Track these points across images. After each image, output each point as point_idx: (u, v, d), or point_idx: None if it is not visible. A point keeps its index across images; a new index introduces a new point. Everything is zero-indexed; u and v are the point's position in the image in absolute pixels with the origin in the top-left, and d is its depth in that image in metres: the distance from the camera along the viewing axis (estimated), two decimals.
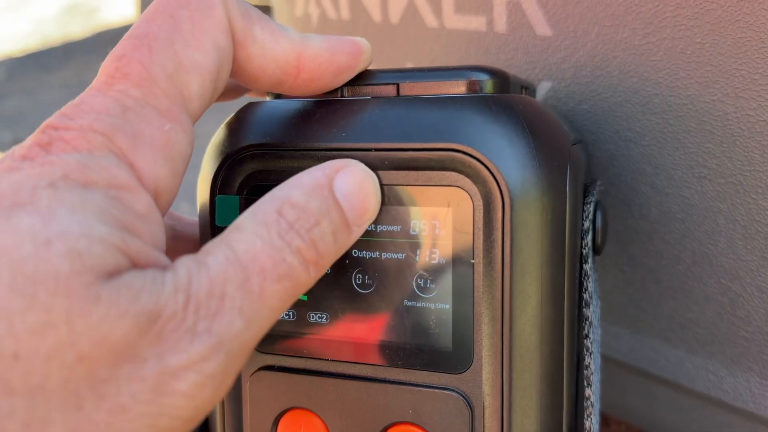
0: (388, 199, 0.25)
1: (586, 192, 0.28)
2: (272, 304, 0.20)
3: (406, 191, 0.25)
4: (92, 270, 0.17)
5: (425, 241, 0.25)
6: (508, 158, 0.24)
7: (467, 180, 0.24)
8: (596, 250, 0.29)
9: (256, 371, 0.27)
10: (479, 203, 0.24)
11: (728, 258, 0.31)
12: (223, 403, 0.29)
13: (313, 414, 0.27)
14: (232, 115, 0.28)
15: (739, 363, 0.33)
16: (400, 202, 0.25)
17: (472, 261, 0.24)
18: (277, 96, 0.29)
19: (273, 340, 0.27)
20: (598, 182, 0.30)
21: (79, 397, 0.17)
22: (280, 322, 0.27)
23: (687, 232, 0.32)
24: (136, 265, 0.19)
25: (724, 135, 0.29)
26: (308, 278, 0.22)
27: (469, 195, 0.24)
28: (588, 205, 0.28)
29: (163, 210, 0.22)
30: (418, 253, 0.25)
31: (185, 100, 0.22)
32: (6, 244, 0.17)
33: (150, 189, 0.20)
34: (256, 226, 0.21)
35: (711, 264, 0.32)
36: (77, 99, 0.21)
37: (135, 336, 0.18)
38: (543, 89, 0.34)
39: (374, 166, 0.25)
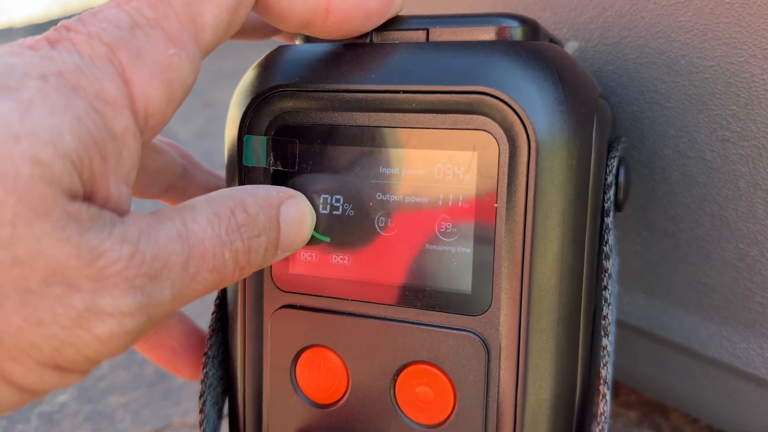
0: (414, 142, 0.25)
1: (610, 147, 0.29)
2: (197, 288, 0.21)
3: (431, 134, 0.25)
4: (50, 184, 0.18)
5: (449, 185, 0.25)
6: (537, 103, 0.24)
7: (494, 123, 0.24)
8: (618, 206, 0.29)
9: (277, 309, 0.28)
10: (505, 147, 0.24)
11: (747, 223, 0.32)
12: (244, 340, 0.29)
13: (332, 352, 0.28)
14: (263, 57, 0.28)
15: (753, 329, 0.33)
16: (425, 146, 0.25)
17: (496, 205, 0.25)
18: (307, 39, 0.29)
19: (295, 279, 0.28)
20: (623, 139, 0.30)
21: (3, 295, 0.18)
22: (303, 263, 0.27)
23: (707, 196, 0.33)
24: (92, 197, 0.20)
25: (749, 97, 0.29)
26: (231, 278, 0.23)
27: (496, 139, 0.24)
28: (612, 160, 0.28)
29: (150, 134, 0.22)
30: (441, 197, 0.25)
31: (197, 29, 0.22)
32: None
33: (139, 109, 0.21)
34: (210, 214, 0.22)
35: (730, 228, 0.32)
36: (97, 7, 0.21)
37: (74, 263, 0.18)
38: (570, 49, 0.34)
39: (401, 109, 0.25)
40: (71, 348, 0.19)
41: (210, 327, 0.31)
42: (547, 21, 0.35)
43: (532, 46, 0.25)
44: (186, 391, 0.54)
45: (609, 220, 0.28)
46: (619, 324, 0.39)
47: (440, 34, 0.26)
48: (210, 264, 0.21)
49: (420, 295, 0.26)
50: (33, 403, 0.54)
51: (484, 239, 0.25)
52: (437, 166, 0.25)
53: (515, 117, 0.24)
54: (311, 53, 0.27)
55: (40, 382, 0.19)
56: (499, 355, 0.25)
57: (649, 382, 0.41)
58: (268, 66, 0.28)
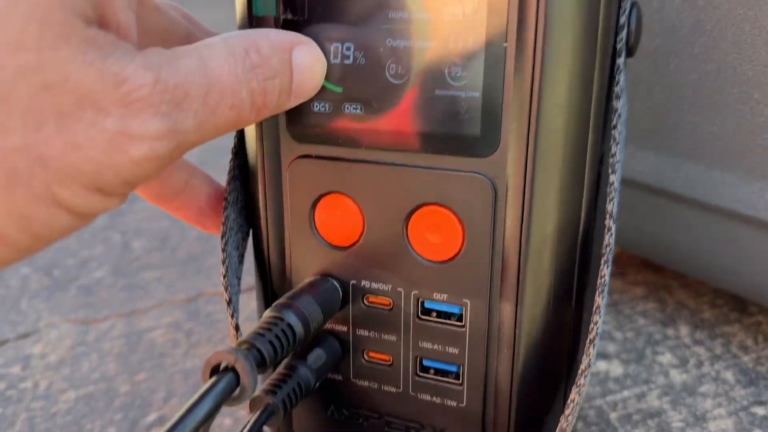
0: None
1: None
2: (218, 123, 0.23)
3: None
4: (65, 9, 0.19)
5: (458, 27, 0.25)
6: None
7: None
8: (629, 50, 0.30)
9: (294, 160, 0.29)
10: None
11: (751, 65, 0.34)
12: (265, 190, 0.31)
13: (348, 197, 0.29)
14: None
15: (754, 172, 0.36)
16: None
17: (505, 45, 0.25)
18: None
19: (310, 130, 0.29)
20: None
21: (42, 119, 0.19)
22: (316, 114, 0.28)
23: (714, 43, 0.35)
24: (104, 24, 0.21)
25: None
26: (248, 119, 0.24)
27: None
28: (625, 2, 0.29)
29: None
30: (451, 39, 0.26)
31: None
32: None
33: None
34: (227, 53, 0.23)
35: (735, 73, 0.34)
36: None
37: (100, 87, 0.19)
38: None
39: None
40: (109, 170, 0.20)
41: (228, 173, 0.33)
42: None
43: None
44: (216, 269, 0.57)
45: (620, 60, 0.29)
46: (628, 183, 0.41)
47: None
48: (228, 101, 0.23)
49: (430, 140, 0.27)
50: (71, 276, 0.57)
51: (493, 81, 0.25)
52: (447, 8, 0.25)
53: None
54: None
55: (87, 205, 0.21)
56: (506, 194, 0.26)
57: (654, 244, 0.43)
58: None
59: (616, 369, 0.42)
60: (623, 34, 0.28)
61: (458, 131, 0.26)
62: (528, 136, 0.25)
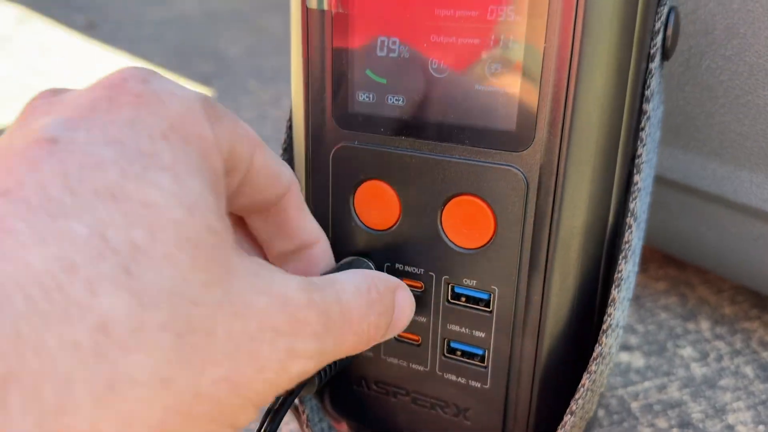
0: None
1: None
2: (342, 349, 0.24)
3: None
4: (225, 245, 0.20)
5: (500, 26, 0.26)
6: None
7: None
8: (665, 54, 0.30)
9: (338, 146, 0.31)
10: None
11: None
12: (309, 172, 0.32)
13: (386, 184, 0.30)
14: None
15: None
16: None
17: (544, 45, 0.26)
18: None
19: (354, 118, 0.30)
20: None
21: (236, 347, 0.19)
22: (361, 104, 0.30)
23: (747, 45, 0.35)
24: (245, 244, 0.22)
25: None
26: (360, 348, 0.25)
27: None
28: (662, 8, 0.29)
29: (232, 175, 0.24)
30: (492, 37, 0.27)
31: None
32: (157, 201, 0.18)
33: (223, 149, 0.22)
34: (355, 288, 0.25)
35: (766, 75, 0.35)
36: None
37: (274, 311, 0.21)
38: None
39: None
40: (275, 389, 0.21)
41: (283, 143, 0.35)
42: None
43: None
44: None
45: (653, 65, 0.29)
46: (655, 179, 0.42)
47: None
48: (355, 329, 0.24)
49: (467, 132, 0.28)
50: None
51: (530, 79, 0.26)
52: (490, 7, 0.26)
53: None
54: None
55: (247, 423, 0.21)
56: (538, 188, 0.27)
57: (679, 239, 0.44)
58: None
59: (637, 360, 0.44)
60: (658, 39, 0.29)
61: (495, 126, 0.27)
62: (561, 134, 0.26)
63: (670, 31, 0.30)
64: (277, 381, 0.21)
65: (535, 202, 0.28)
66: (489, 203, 0.28)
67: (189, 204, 0.19)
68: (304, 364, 0.22)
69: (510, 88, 0.27)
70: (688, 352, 0.44)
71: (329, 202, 0.32)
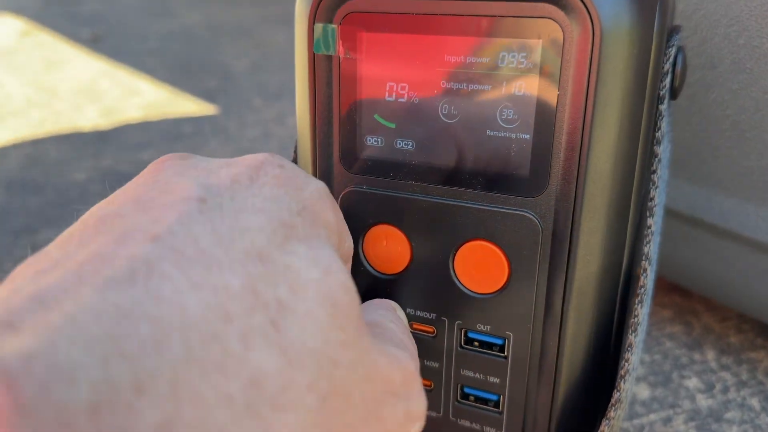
0: (480, 30, 0.26)
1: (669, 35, 0.29)
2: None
3: (497, 22, 0.26)
4: (356, 305, 0.20)
5: (512, 73, 0.26)
6: None
7: (559, 11, 0.25)
8: (673, 93, 0.30)
9: (346, 190, 0.30)
10: (570, 35, 0.25)
11: None
12: None
13: (396, 228, 0.30)
14: None
15: None
16: (491, 34, 0.26)
17: (558, 92, 0.25)
18: None
19: (362, 162, 0.30)
20: (681, 28, 0.31)
21: (369, 411, 0.20)
22: (369, 147, 0.29)
23: (753, 80, 0.35)
24: None
25: None
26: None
27: (561, 26, 0.25)
28: (670, 49, 0.29)
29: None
30: (504, 84, 0.26)
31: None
32: (297, 265, 0.19)
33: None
34: (410, 356, 0.24)
35: None
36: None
37: (393, 374, 0.21)
38: None
39: None
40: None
41: None
42: None
43: None
44: None
45: (663, 107, 0.29)
46: (664, 210, 0.42)
47: None
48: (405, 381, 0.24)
49: (480, 178, 0.28)
50: None
51: (544, 125, 0.26)
52: (501, 54, 0.26)
53: (581, 5, 0.24)
54: None
55: None
56: (552, 234, 0.27)
57: (686, 270, 0.44)
58: None
59: (643, 392, 0.43)
60: (666, 81, 0.29)
61: (508, 171, 0.27)
62: (576, 180, 0.26)
63: (678, 71, 0.30)
64: None
65: (550, 249, 0.27)
66: (503, 248, 0.28)
67: (324, 266, 0.20)
68: (420, 424, 0.22)
69: (523, 133, 0.26)
70: (693, 383, 0.44)
71: None
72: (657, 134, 0.29)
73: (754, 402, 0.42)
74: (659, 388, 0.44)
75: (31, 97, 1.08)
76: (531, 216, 0.27)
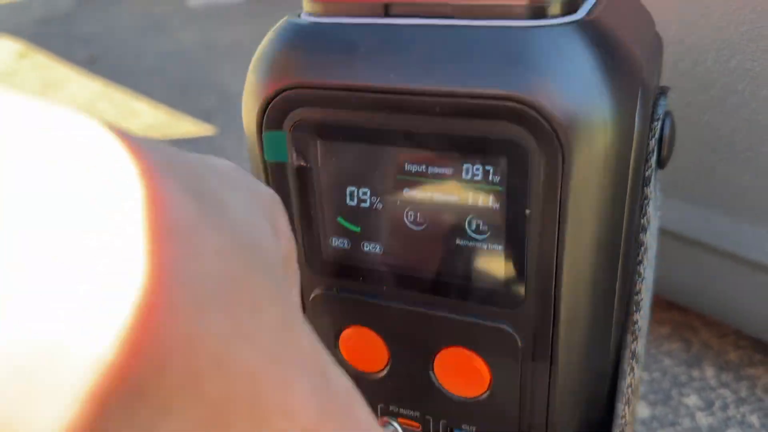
0: (440, 145, 0.24)
1: (654, 106, 0.27)
2: None
3: (459, 138, 0.23)
4: None
5: (478, 186, 0.24)
6: (571, 108, 0.21)
7: (524, 132, 0.22)
8: (661, 164, 0.28)
9: (315, 293, 0.28)
10: (536, 157, 0.22)
11: None
12: None
13: (372, 331, 0.28)
14: (271, 35, 0.26)
15: None
16: (452, 149, 0.23)
17: (527, 211, 0.23)
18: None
19: (330, 264, 0.28)
20: (669, 90, 0.29)
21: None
22: (335, 249, 0.27)
23: (745, 103, 0.36)
24: None
25: None
26: None
27: (526, 148, 0.22)
28: (656, 123, 0.27)
29: None
30: (470, 197, 0.24)
31: None
32: None
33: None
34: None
35: (766, 132, 0.36)
36: None
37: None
38: None
39: (425, 112, 0.23)
40: None
41: None
42: None
43: (568, 31, 0.22)
44: None
45: (649, 188, 0.27)
46: (659, 230, 0.42)
47: (465, 8, 0.23)
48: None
49: (454, 288, 0.26)
50: None
51: (515, 239, 0.24)
52: (465, 167, 0.24)
53: (547, 126, 0.22)
54: (323, 37, 0.25)
55: None
56: (533, 348, 0.25)
57: (683, 289, 0.45)
58: (278, 56, 0.25)
59: (643, 411, 0.44)
60: (652, 161, 0.27)
61: (481, 282, 0.25)
62: (554, 293, 0.24)
63: (666, 139, 0.27)
64: None
65: (531, 358, 0.26)
66: (482, 357, 0.27)
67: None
68: None
69: (494, 245, 0.24)
70: (693, 400, 0.44)
71: None
72: (642, 221, 0.27)
73: (754, 419, 0.42)
74: (659, 407, 0.44)
75: None
76: (508, 329, 0.25)
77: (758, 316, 0.41)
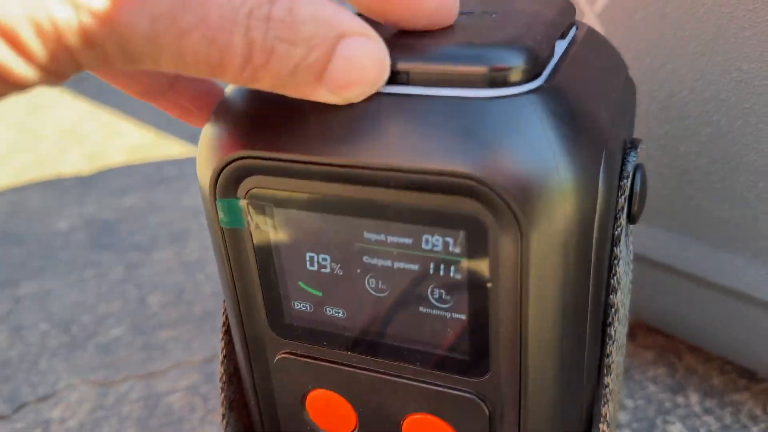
0: (398, 215, 0.23)
1: (623, 162, 0.26)
2: (184, 50, 0.19)
3: (417, 210, 0.23)
4: None
5: (439, 256, 0.24)
6: (525, 182, 0.21)
7: (482, 208, 0.22)
8: (632, 219, 0.28)
9: (280, 356, 0.29)
10: (495, 229, 0.22)
11: (758, 156, 0.35)
12: (253, 381, 0.30)
13: (338, 395, 0.28)
14: (223, 100, 0.26)
15: (762, 257, 0.37)
16: (410, 220, 0.23)
17: (488, 285, 0.23)
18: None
19: (294, 328, 0.28)
20: (641, 143, 0.29)
21: None
22: (298, 312, 0.27)
23: (721, 133, 0.36)
24: None
25: (760, 40, 0.33)
26: (235, 69, 0.20)
27: (485, 224, 0.22)
28: (624, 180, 0.26)
29: None
30: (431, 266, 0.24)
31: None
32: None
33: None
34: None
35: (742, 162, 0.35)
36: None
37: None
38: (599, 3, 0.38)
39: (380, 184, 0.23)
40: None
41: (221, 351, 0.32)
42: None
43: (527, 102, 0.22)
44: None
45: (618, 249, 0.26)
46: (639, 258, 0.42)
47: (423, 76, 0.23)
48: (208, 33, 0.18)
49: (419, 355, 0.26)
50: (90, 334, 0.58)
51: (479, 309, 0.24)
52: (425, 237, 0.23)
53: (503, 204, 0.21)
54: (275, 105, 0.24)
55: None
56: (502, 414, 0.26)
57: (665, 316, 0.44)
58: (230, 122, 0.25)
59: None
60: (621, 219, 0.26)
61: (446, 351, 0.25)
62: (520, 363, 0.24)
63: (637, 194, 0.27)
64: None
65: (501, 427, 0.26)
66: (451, 425, 0.26)
67: None
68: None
69: (458, 314, 0.24)
70: (678, 428, 0.44)
71: (279, 408, 0.30)
72: (612, 281, 0.27)
73: None
74: None
75: (15, 142, 1.08)
76: (477, 399, 0.25)
77: (739, 343, 0.41)
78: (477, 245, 0.23)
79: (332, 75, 0.21)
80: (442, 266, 0.24)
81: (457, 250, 0.23)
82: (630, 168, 0.26)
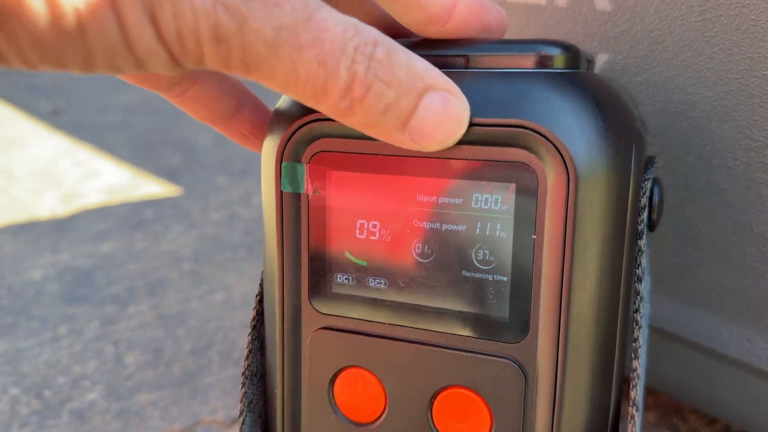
0: (451, 172, 0.25)
1: (645, 168, 0.29)
2: (297, 67, 0.21)
3: (470, 165, 0.25)
4: None
5: (486, 214, 0.25)
6: (577, 137, 0.24)
7: (534, 157, 0.24)
8: (651, 226, 0.29)
9: (316, 331, 0.29)
10: (545, 181, 0.24)
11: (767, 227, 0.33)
12: (282, 359, 0.30)
13: (370, 373, 0.28)
14: None
15: None
16: (463, 176, 0.25)
17: (534, 237, 0.25)
18: None
19: (333, 301, 0.28)
20: (656, 159, 0.30)
21: None
22: (340, 285, 0.28)
23: (730, 202, 0.34)
24: None
25: None
26: (335, 94, 0.21)
27: (535, 172, 0.24)
28: (646, 182, 0.28)
29: None
30: (478, 225, 0.25)
31: None
32: None
33: None
34: (350, 24, 0.21)
35: (752, 233, 0.34)
36: None
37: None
38: (600, 61, 0.36)
39: None
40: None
41: (247, 347, 0.32)
42: (578, 34, 0.37)
43: (572, 76, 0.25)
44: (213, 390, 0.55)
45: (642, 242, 0.28)
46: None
47: (480, 60, 0.26)
48: (320, 55, 0.20)
49: (457, 320, 0.26)
50: (64, 399, 0.55)
51: (521, 269, 0.25)
52: (475, 196, 0.25)
53: (555, 152, 0.24)
54: None
55: None
56: (536, 382, 0.26)
57: (671, 383, 0.43)
58: None
59: None
60: (644, 215, 0.28)
61: (486, 314, 0.26)
62: (559, 326, 0.25)
63: (655, 204, 0.29)
64: None
65: (535, 397, 0.26)
66: (484, 397, 0.26)
67: None
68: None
69: (500, 275, 0.25)
70: None
71: (305, 390, 0.30)
72: (638, 271, 0.28)
73: None
74: None
75: None
76: (513, 363, 0.26)
77: (745, 413, 0.39)
78: (526, 198, 0.24)
79: (416, 123, 0.23)
80: (489, 225, 0.25)
81: (506, 207, 0.25)
82: (649, 175, 0.28)
